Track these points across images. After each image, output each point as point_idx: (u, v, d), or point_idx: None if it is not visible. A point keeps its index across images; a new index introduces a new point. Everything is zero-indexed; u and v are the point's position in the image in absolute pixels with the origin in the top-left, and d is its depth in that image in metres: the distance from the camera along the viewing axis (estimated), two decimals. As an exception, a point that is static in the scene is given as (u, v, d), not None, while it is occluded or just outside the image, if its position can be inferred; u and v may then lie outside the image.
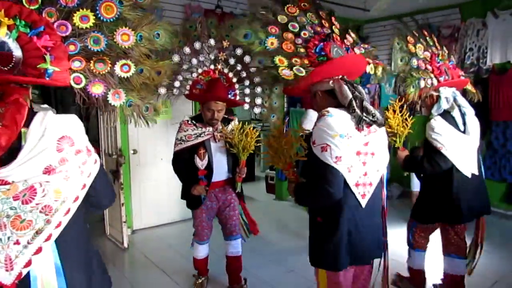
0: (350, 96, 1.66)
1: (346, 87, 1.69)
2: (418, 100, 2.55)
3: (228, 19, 3.42)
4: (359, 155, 1.65)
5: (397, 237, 3.97)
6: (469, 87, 2.79)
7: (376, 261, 1.97)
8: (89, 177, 1.14)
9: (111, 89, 1.26)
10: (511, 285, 2.99)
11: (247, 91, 2.82)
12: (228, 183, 2.76)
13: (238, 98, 2.78)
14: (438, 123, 2.36)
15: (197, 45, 2.64)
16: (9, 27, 0.97)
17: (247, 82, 2.80)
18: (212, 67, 2.69)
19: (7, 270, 1.00)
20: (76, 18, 1.14)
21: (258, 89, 2.83)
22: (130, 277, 3.20)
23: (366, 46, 2.33)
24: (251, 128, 2.59)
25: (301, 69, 1.77)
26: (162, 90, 2.58)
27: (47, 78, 1.05)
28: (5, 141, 0.94)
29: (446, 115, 2.41)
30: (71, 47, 1.15)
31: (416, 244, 2.73)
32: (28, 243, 1.02)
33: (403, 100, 2.49)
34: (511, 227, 4.31)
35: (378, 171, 1.75)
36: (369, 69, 2.22)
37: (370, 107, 1.66)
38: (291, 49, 1.83)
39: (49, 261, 1.06)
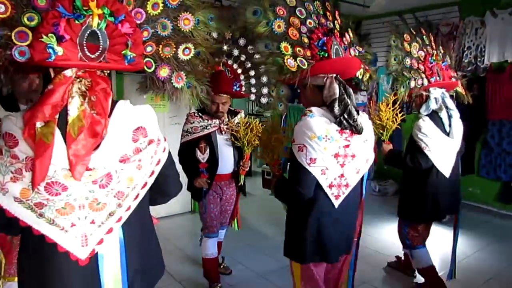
0: (337, 95, 1.64)
1: (336, 86, 1.67)
2: (408, 99, 2.58)
3: (227, 12, 3.40)
4: (337, 157, 1.64)
5: (391, 232, 4.00)
6: (460, 89, 2.79)
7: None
8: (158, 165, 1.21)
9: (174, 72, 1.36)
10: (505, 282, 3.02)
11: (253, 81, 2.81)
12: (233, 176, 2.79)
13: (243, 89, 2.77)
14: (425, 124, 2.43)
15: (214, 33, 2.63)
16: (99, 16, 1.03)
17: (252, 73, 2.78)
18: (215, 59, 2.68)
19: (82, 246, 1.09)
20: (149, 6, 1.21)
21: (264, 79, 2.81)
22: (126, 270, 3.20)
23: (360, 49, 2.29)
24: (257, 123, 2.61)
25: (304, 61, 1.72)
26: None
27: (127, 64, 1.11)
28: (101, 129, 1.02)
29: (434, 116, 2.47)
30: (145, 33, 1.22)
31: (414, 242, 2.67)
32: (102, 223, 1.12)
33: (397, 96, 2.51)
34: (505, 226, 4.35)
35: (358, 173, 1.75)
36: (358, 73, 2.18)
37: (355, 113, 1.65)
38: (296, 36, 1.76)
39: (115, 241, 1.15)
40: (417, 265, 2.72)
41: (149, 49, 1.24)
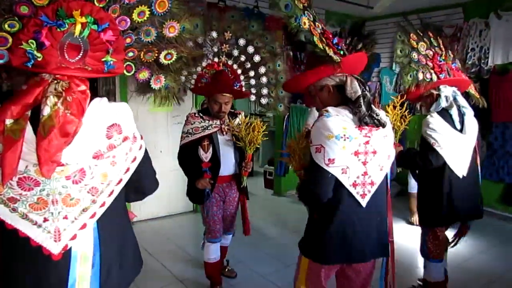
0: (360, 92, 1.65)
1: (356, 82, 1.68)
2: (412, 99, 2.53)
3: (229, 12, 3.40)
4: (357, 155, 1.63)
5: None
6: (473, 91, 2.72)
7: (378, 261, 1.92)
8: (133, 162, 1.21)
9: (154, 75, 1.39)
10: (507, 285, 3.02)
11: (253, 82, 2.80)
12: (235, 178, 2.73)
13: (243, 89, 2.76)
14: (434, 120, 2.35)
15: (199, 38, 2.63)
16: (82, 25, 1.05)
17: (252, 73, 2.77)
18: (216, 59, 2.67)
19: (55, 241, 1.10)
20: (135, 14, 1.22)
21: (264, 79, 2.81)
22: (127, 269, 3.21)
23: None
24: (258, 122, 2.57)
25: (336, 55, 1.71)
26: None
27: (106, 70, 1.13)
28: (73, 129, 1.02)
29: (444, 112, 2.39)
30: (128, 40, 1.23)
31: (432, 254, 2.55)
32: (75, 218, 1.12)
33: (404, 98, 2.47)
34: (507, 228, 4.34)
35: (381, 170, 1.72)
36: None
37: (375, 108, 1.65)
38: (317, 35, 1.76)
39: (89, 237, 1.15)
40: (428, 278, 2.63)
41: (130, 54, 1.27)
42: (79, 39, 1.05)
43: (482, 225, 4.23)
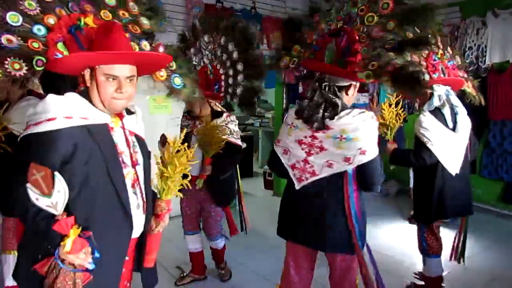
0: (309, 94, 1.87)
1: (315, 84, 1.86)
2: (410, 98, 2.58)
3: (227, 14, 3.42)
4: (301, 144, 1.85)
5: (393, 233, 4.01)
6: (469, 89, 2.74)
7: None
8: None
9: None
10: (507, 283, 3.02)
11: (231, 81, 2.85)
12: (205, 181, 2.68)
13: (223, 89, 2.83)
14: (426, 119, 2.39)
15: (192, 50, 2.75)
16: None
17: (231, 72, 2.81)
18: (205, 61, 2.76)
19: None
20: None
21: (240, 78, 2.84)
22: (128, 271, 3.20)
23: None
24: (215, 127, 2.56)
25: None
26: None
27: None
28: None
29: (436, 111, 2.43)
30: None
31: (431, 250, 2.59)
32: None
33: (400, 96, 2.50)
34: (507, 226, 4.34)
35: (330, 167, 1.78)
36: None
37: (318, 111, 1.78)
38: (310, 40, 2.06)
39: None
40: (427, 273, 2.63)
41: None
42: None
43: (482, 223, 4.26)
